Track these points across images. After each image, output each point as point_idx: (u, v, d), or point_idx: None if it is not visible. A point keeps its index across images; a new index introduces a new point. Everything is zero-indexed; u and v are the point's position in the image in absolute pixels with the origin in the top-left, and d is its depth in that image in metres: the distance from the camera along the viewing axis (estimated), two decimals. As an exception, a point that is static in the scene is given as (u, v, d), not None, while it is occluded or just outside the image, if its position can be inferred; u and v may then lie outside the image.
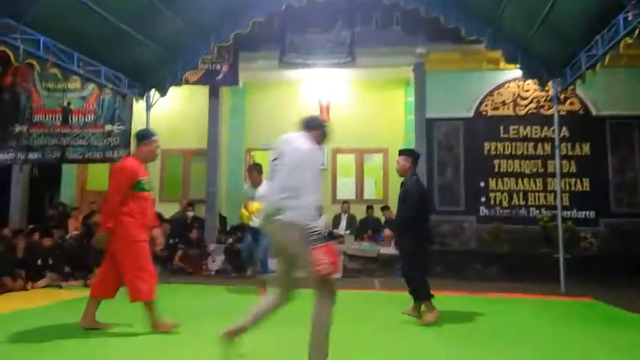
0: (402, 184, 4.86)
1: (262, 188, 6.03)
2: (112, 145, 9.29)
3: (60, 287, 6.66)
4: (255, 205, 6.06)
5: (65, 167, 10.68)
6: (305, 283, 2.90)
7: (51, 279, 6.75)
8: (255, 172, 6.31)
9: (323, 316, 2.79)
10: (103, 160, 9.41)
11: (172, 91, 8.35)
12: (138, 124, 9.09)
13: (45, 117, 9.55)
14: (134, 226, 4.00)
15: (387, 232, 5.55)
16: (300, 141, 3.06)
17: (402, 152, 5.01)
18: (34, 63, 5.91)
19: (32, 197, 10.52)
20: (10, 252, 6.78)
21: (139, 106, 8.85)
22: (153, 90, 8.04)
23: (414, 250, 4.67)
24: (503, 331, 4.34)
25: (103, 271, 4.18)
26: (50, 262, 6.91)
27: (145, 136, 4.27)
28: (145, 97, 8.05)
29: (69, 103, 9.48)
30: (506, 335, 4.15)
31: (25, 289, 6.40)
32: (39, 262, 6.83)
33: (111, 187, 4.11)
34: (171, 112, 10.56)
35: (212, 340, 3.01)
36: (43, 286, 6.62)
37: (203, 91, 10.03)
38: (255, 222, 6.02)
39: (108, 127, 9.31)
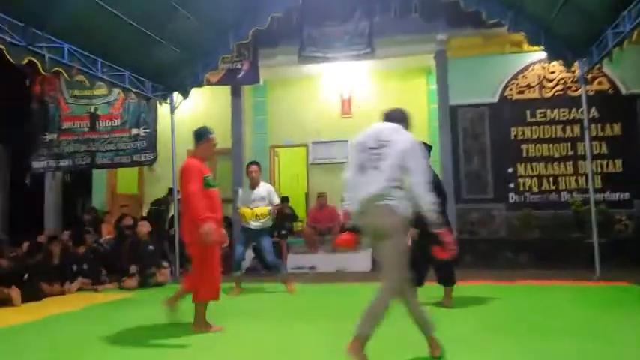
0: None
1: (261, 190, 6.04)
2: (139, 148, 9.46)
3: (96, 290, 6.84)
4: (253, 211, 5.99)
5: (95, 172, 10.94)
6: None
7: (82, 282, 6.90)
8: (255, 171, 6.16)
9: (383, 298, 2.90)
10: (131, 164, 9.60)
11: (194, 92, 8.45)
12: (163, 127, 9.25)
13: (73, 124, 9.80)
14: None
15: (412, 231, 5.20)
16: (402, 132, 3.20)
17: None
18: (61, 70, 6.06)
19: (65, 203, 10.83)
20: (47, 258, 6.98)
21: (162, 110, 9.00)
22: (176, 93, 8.15)
23: None
24: (537, 319, 4.26)
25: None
26: (85, 266, 7.10)
27: (202, 134, 4.33)
28: (168, 100, 8.16)
29: (96, 109, 9.70)
30: (541, 323, 4.07)
31: (62, 293, 6.59)
32: (74, 267, 7.02)
33: (184, 186, 4.02)
34: (195, 113, 10.65)
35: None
36: (77, 289, 6.79)
37: (225, 90, 10.10)
38: (254, 224, 6.00)
39: (134, 131, 9.49)
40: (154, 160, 9.48)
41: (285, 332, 4.10)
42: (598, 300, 5.12)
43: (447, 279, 4.85)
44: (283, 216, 8.93)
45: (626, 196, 8.15)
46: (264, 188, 6.16)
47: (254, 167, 6.24)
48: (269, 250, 6.12)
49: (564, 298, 5.25)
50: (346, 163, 3.24)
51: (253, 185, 6.17)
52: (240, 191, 6.45)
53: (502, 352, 3.34)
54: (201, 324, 4.07)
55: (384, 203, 2.95)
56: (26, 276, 6.13)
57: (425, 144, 4.79)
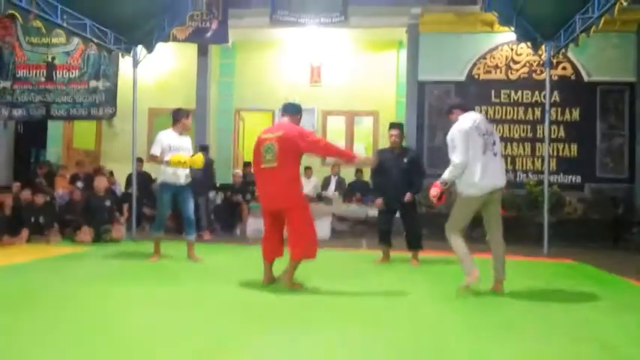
0: (398, 154, 5.54)
1: (186, 140, 5.52)
2: (97, 102, 9.11)
3: (47, 243, 6.66)
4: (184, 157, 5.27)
5: (51, 125, 10.52)
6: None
7: (34, 235, 6.70)
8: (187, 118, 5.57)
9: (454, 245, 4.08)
10: (88, 118, 9.26)
11: (160, 48, 8.16)
12: (124, 81, 8.93)
13: (29, 72, 9.33)
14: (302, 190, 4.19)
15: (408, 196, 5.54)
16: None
17: (395, 126, 5.73)
18: (16, 14, 5.70)
19: (18, 155, 10.39)
20: (-3, 208, 6.73)
21: (125, 63, 8.66)
22: (140, 46, 7.84)
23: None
24: (486, 288, 4.42)
25: (270, 233, 4.23)
26: (38, 219, 6.88)
27: (299, 109, 4.42)
28: (131, 54, 7.85)
29: (53, 59, 9.25)
30: (489, 292, 4.23)
31: (12, 244, 6.39)
32: (31, 219, 6.80)
33: (314, 141, 4.14)
34: (159, 70, 10.37)
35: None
36: (27, 241, 6.60)
37: (192, 49, 9.82)
38: (177, 177, 5.41)
39: (93, 84, 9.12)
40: (113, 114, 9.17)
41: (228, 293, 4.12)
42: (543, 274, 5.35)
43: (415, 244, 5.53)
44: (247, 181, 8.88)
45: (578, 179, 8.50)
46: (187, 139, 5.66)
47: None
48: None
49: (513, 270, 5.45)
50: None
51: (181, 133, 5.57)
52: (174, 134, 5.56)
53: (451, 317, 3.46)
54: (291, 281, 4.05)
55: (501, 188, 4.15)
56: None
57: (402, 124, 5.85)
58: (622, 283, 4.91)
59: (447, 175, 4.00)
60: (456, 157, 3.91)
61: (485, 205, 4.06)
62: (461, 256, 4.06)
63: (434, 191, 4.08)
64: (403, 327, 3.14)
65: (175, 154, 5.23)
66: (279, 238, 4.22)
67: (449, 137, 4.01)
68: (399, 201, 5.45)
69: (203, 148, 8.45)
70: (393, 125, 5.74)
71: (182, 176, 5.47)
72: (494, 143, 4.02)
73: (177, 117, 5.52)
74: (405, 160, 5.50)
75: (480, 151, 3.91)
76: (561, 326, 3.21)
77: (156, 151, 5.34)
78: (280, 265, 4.25)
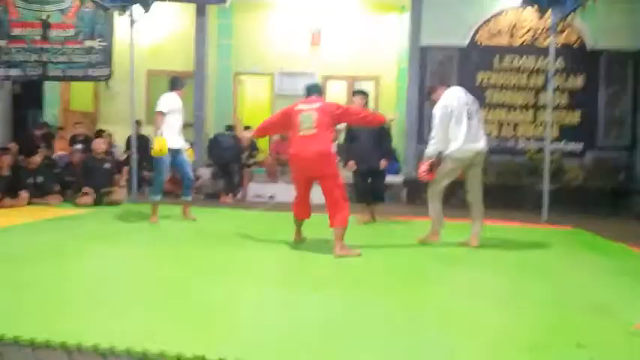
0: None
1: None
2: (93, 62, 8.91)
3: (48, 204, 6.66)
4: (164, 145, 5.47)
5: (48, 86, 10.34)
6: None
7: (34, 197, 6.70)
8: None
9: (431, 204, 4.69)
10: (84, 78, 9.08)
11: (157, 8, 7.95)
12: (120, 42, 8.74)
13: (24, 31, 9.08)
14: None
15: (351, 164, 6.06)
16: None
17: (359, 93, 6.13)
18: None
19: (15, 116, 10.26)
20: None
21: (121, 23, 8.46)
22: (136, 5, 7.61)
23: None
24: (480, 254, 4.47)
25: (302, 198, 4.49)
26: (38, 180, 6.86)
27: (321, 88, 4.80)
28: (127, 13, 7.64)
29: (48, 17, 8.98)
30: (485, 258, 4.28)
31: (12, 206, 6.38)
32: (30, 180, 6.77)
33: (349, 109, 4.66)
34: (156, 31, 10.15)
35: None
36: (28, 203, 6.60)
37: (189, 10, 9.58)
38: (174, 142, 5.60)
39: (88, 43, 8.88)
40: (109, 76, 8.99)
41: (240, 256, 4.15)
42: (541, 240, 5.39)
43: (378, 198, 6.18)
44: (250, 145, 8.87)
45: (579, 146, 8.48)
46: None
47: None
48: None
49: (511, 236, 5.51)
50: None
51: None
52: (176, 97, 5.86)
53: (450, 282, 3.51)
54: (344, 248, 4.14)
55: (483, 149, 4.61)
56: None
57: (364, 91, 6.18)
58: (620, 249, 4.96)
59: (429, 149, 4.48)
60: (436, 131, 4.43)
61: (468, 168, 4.54)
62: (434, 216, 4.70)
63: (422, 167, 4.49)
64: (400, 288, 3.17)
65: (159, 139, 5.40)
66: (309, 203, 4.53)
67: (434, 111, 4.51)
68: (368, 164, 5.89)
69: (229, 128, 8.85)
70: (356, 92, 6.16)
71: (180, 138, 5.67)
72: (476, 111, 4.54)
73: (178, 86, 5.88)
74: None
75: (463, 119, 4.40)
76: (558, 291, 3.26)
77: (163, 109, 5.56)
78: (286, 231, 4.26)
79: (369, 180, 6.11)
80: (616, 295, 3.21)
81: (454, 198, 5.58)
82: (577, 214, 7.19)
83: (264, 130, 5.03)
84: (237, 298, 2.86)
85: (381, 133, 5.92)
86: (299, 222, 4.61)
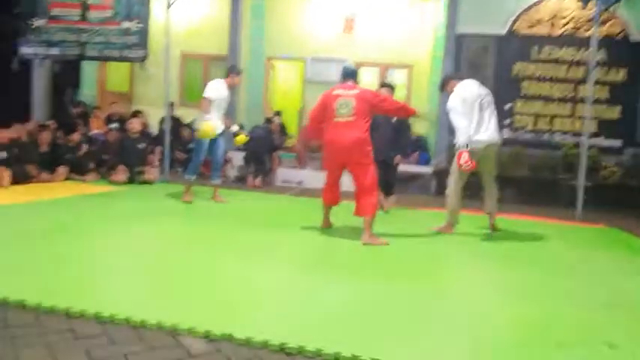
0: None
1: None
2: (129, 43, 9.04)
3: (83, 181, 6.85)
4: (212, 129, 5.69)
5: (85, 66, 10.59)
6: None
7: (70, 172, 6.92)
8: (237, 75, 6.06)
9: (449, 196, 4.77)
10: (120, 59, 9.23)
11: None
12: (156, 24, 8.86)
13: (63, 11, 9.28)
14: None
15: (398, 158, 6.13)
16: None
17: (386, 85, 6.01)
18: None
19: (53, 94, 10.55)
20: (36, 145, 6.90)
21: (157, 5, 8.57)
22: (173, -13, 7.70)
23: None
24: (511, 249, 4.40)
25: (332, 185, 4.51)
26: (74, 157, 7.06)
27: (357, 73, 4.71)
28: (165, -5, 7.73)
29: (86, -2, 9.16)
30: (516, 254, 4.21)
31: (50, 181, 6.60)
32: (68, 156, 6.99)
33: (385, 99, 4.70)
34: (192, 14, 10.23)
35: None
36: (65, 178, 6.81)
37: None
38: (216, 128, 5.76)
39: (126, 24, 9.01)
40: (145, 57, 9.11)
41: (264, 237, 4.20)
42: (573, 238, 5.27)
43: (388, 191, 6.04)
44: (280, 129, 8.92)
45: (618, 143, 8.20)
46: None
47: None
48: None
49: (543, 232, 5.41)
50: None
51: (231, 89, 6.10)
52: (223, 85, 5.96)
53: (478, 275, 3.47)
54: (372, 237, 4.17)
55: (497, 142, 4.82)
56: (10, 155, 6.10)
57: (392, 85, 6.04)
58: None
59: (460, 139, 4.45)
60: (459, 122, 4.46)
61: (480, 161, 4.57)
62: (451, 207, 4.77)
63: (464, 157, 4.38)
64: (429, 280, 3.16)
65: (207, 125, 5.59)
66: (339, 189, 4.55)
67: (449, 105, 4.57)
68: (384, 156, 5.74)
69: (268, 121, 9.11)
70: (383, 85, 6.06)
71: (218, 128, 5.83)
72: (488, 103, 4.64)
73: (230, 72, 6.02)
74: (394, 119, 5.85)
75: (475, 111, 4.53)
76: (587, 289, 3.18)
77: (211, 95, 5.71)
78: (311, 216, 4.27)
79: (384, 174, 5.94)
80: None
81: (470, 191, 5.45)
82: (613, 212, 6.98)
83: (315, 125, 4.60)
84: (261, 280, 2.90)
85: (401, 127, 5.98)
86: (327, 207, 4.62)
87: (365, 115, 4.28)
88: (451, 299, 2.77)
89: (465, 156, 4.37)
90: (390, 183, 6.14)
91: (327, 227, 4.64)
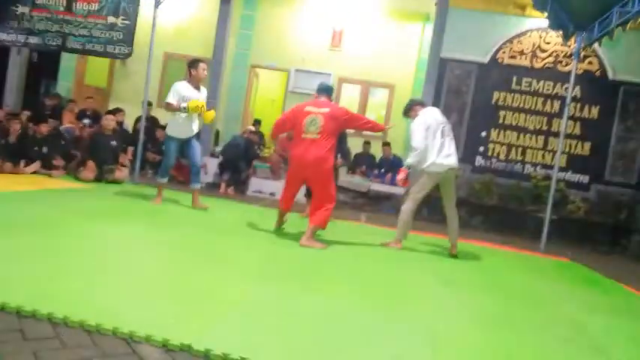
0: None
1: (203, 93, 5.56)
2: (114, 39, 8.92)
3: (50, 176, 6.66)
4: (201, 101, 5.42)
5: (64, 57, 10.39)
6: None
7: (40, 166, 6.74)
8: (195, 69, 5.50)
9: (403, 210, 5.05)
10: (103, 54, 9.10)
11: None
12: (141, 21, 8.77)
13: (48, 0, 9.12)
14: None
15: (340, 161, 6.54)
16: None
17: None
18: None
19: (28, 84, 10.31)
20: (4, 135, 6.70)
21: (145, 3, 8.48)
22: (162, -14, 7.65)
23: None
24: (475, 276, 4.44)
25: (289, 192, 4.83)
26: (43, 150, 6.87)
27: (332, 90, 4.99)
28: (153, -7, 7.66)
29: (73, -11, 9.02)
30: (477, 281, 4.25)
31: (15, 173, 6.40)
32: (35, 149, 6.79)
33: (356, 117, 4.89)
34: (179, 14, 10.18)
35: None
36: (32, 172, 6.62)
37: (214, -2, 9.59)
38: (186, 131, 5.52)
39: (111, 20, 8.90)
40: (129, 54, 8.99)
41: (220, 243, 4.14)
42: (537, 269, 5.38)
43: None
44: (254, 140, 8.85)
45: (585, 178, 8.42)
46: (204, 91, 5.69)
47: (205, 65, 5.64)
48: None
49: (506, 262, 5.50)
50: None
51: (197, 86, 5.59)
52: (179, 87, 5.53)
53: (437, 300, 3.48)
54: (310, 240, 4.43)
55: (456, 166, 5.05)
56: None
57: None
58: (615, 287, 4.92)
59: (409, 160, 4.87)
60: (415, 143, 4.78)
61: (442, 182, 4.94)
62: (402, 222, 5.02)
63: (401, 175, 4.92)
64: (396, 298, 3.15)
65: (193, 99, 5.35)
66: (293, 199, 4.87)
67: (411, 128, 4.89)
68: None
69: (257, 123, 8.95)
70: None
71: (191, 129, 5.56)
72: (449, 130, 4.99)
73: (189, 67, 5.58)
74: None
75: (437, 137, 4.83)
76: (545, 320, 3.23)
77: (172, 99, 5.41)
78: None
79: None
80: (610, 333, 3.18)
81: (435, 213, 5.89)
82: (576, 246, 7.16)
83: (279, 129, 4.96)
84: (225, 291, 2.85)
85: (340, 136, 6.08)
86: (282, 212, 4.95)
87: (331, 133, 4.49)
88: (408, 322, 2.76)
89: (403, 175, 4.90)
90: None
91: (278, 228, 4.98)
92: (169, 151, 5.62)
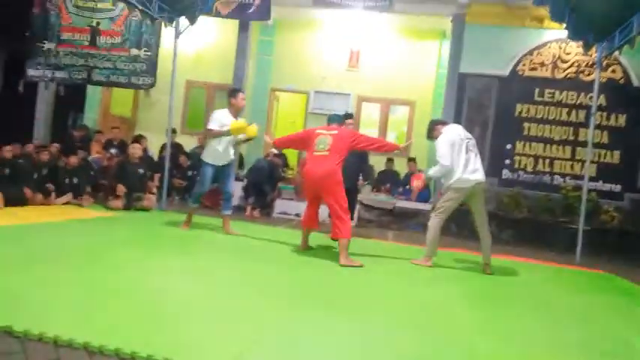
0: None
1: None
2: (138, 70, 9.19)
3: (80, 205, 6.79)
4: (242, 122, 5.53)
5: (90, 90, 10.69)
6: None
7: (71, 197, 6.88)
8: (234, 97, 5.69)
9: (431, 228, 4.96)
10: (128, 85, 9.36)
11: (202, 22, 8.15)
12: (163, 51, 8.99)
13: (73, 36, 9.46)
14: None
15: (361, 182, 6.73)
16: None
17: (349, 116, 6.33)
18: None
19: (56, 117, 10.62)
20: (34, 166, 6.88)
21: (166, 34, 8.71)
22: (183, 17, 7.84)
23: None
24: (512, 293, 4.32)
25: (311, 209, 5.02)
26: (73, 181, 7.02)
27: (342, 117, 5.48)
28: (173, 24, 7.86)
29: (98, 24, 9.34)
30: (514, 298, 4.13)
31: (46, 204, 6.53)
32: (66, 180, 6.94)
33: (363, 138, 5.13)
34: (199, 43, 10.40)
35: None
36: (64, 203, 6.76)
37: (232, 25, 9.78)
38: (222, 158, 5.63)
39: (134, 52, 9.19)
40: (152, 84, 9.24)
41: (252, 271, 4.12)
42: (573, 283, 5.22)
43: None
44: (278, 163, 8.89)
45: (617, 187, 8.19)
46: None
47: (243, 95, 5.85)
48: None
49: (542, 276, 5.34)
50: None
51: (236, 115, 5.69)
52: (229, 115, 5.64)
53: (473, 318, 3.38)
54: (347, 259, 4.57)
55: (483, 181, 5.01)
56: (7, 172, 6.08)
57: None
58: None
59: (432, 172, 4.97)
60: (443, 160, 4.80)
61: (469, 199, 4.91)
62: (431, 239, 4.95)
63: (420, 183, 5.08)
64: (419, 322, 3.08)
65: (234, 121, 5.46)
66: (317, 215, 5.08)
67: (437, 145, 4.91)
68: (349, 183, 5.84)
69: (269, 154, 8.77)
70: (348, 116, 6.36)
71: (228, 155, 5.69)
72: (473, 146, 4.97)
73: (229, 96, 5.76)
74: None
75: (462, 152, 4.83)
76: (585, 336, 3.10)
77: (213, 126, 5.55)
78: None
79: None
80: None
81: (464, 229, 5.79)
82: (611, 257, 6.93)
83: (285, 143, 5.49)
84: (256, 318, 2.82)
85: (362, 156, 6.40)
86: (306, 231, 5.11)
87: (339, 151, 4.79)
88: (449, 346, 2.69)
89: (419, 183, 5.07)
90: (351, 209, 6.28)
91: (304, 249, 5.09)
92: (205, 177, 5.67)
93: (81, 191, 7.00)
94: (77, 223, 5.56)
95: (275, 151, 9.43)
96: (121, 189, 6.81)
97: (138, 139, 8.26)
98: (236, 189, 8.65)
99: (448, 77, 8.95)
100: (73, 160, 7.14)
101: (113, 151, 8.66)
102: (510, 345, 2.76)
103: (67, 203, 6.80)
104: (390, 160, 9.59)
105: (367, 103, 10.65)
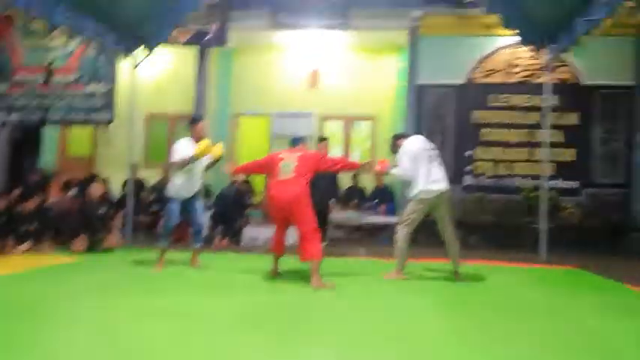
0: None
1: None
2: (94, 106, 9.01)
3: (41, 252, 6.56)
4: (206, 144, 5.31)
5: (46, 132, 10.43)
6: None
7: (32, 244, 6.65)
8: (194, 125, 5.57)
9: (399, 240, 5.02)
10: (85, 122, 9.16)
11: (159, 52, 8.08)
12: (120, 84, 8.87)
13: (27, 75, 9.24)
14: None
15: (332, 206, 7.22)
16: None
17: (323, 139, 7.22)
18: (14, 16, 5.60)
19: (13, 162, 10.29)
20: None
21: (123, 66, 8.60)
22: (141, 47, 7.69)
23: None
24: (485, 297, 4.38)
25: (278, 234, 5.02)
26: (31, 227, 6.78)
27: (304, 139, 5.56)
28: (132, 55, 7.71)
29: (51, 63, 9.16)
30: (488, 301, 4.19)
31: (3, 254, 6.29)
32: (24, 227, 6.70)
33: (327, 159, 5.27)
34: (156, 73, 10.31)
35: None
36: (24, 251, 6.52)
37: (190, 52, 9.77)
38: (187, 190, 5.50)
39: (90, 88, 9.02)
40: (111, 120, 9.08)
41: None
42: (541, 280, 5.33)
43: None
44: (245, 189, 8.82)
45: (575, 184, 8.46)
46: None
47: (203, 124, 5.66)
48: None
49: (513, 277, 5.44)
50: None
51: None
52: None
53: (451, 325, 3.41)
54: (319, 282, 4.54)
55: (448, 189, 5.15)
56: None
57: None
58: (623, 290, 4.86)
59: (394, 170, 5.13)
60: (402, 167, 4.99)
61: (433, 209, 4.97)
62: (399, 252, 5.00)
63: (382, 168, 5.21)
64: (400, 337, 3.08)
65: (198, 145, 5.26)
66: (284, 241, 5.05)
67: (399, 155, 5.07)
68: (321, 206, 6.06)
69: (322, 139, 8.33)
70: (321, 139, 6.88)
71: (192, 187, 5.51)
72: (436, 156, 5.09)
73: (190, 124, 5.61)
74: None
75: (424, 163, 4.93)
76: (564, 334, 3.16)
77: (176, 159, 5.36)
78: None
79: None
80: (624, 337, 3.12)
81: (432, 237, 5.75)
82: (575, 252, 7.12)
83: (246, 170, 5.73)
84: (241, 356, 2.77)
85: (335, 179, 6.71)
86: (275, 257, 5.07)
87: (305, 173, 4.79)
88: (422, 354, 2.69)
89: (382, 170, 5.24)
90: (323, 230, 6.37)
91: (274, 276, 5.04)
92: (172, 212, 5.48)
93: (41, 237, 6.77)
94: (40, 272, 5.31)
95: (241, 177, 9.37)
96: (82, 237, 6.62)
97: (92, 178, 8.01)
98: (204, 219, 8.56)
99: (407, 90, 9.13)
100: (31, 204, 6.92)
101: (72, 192, 8.43)
102: (484, 344, 2.78)
103: (27, 250, 6.57)
104: (355, 177, 9.65)
105: (330, 121, 10.73)
